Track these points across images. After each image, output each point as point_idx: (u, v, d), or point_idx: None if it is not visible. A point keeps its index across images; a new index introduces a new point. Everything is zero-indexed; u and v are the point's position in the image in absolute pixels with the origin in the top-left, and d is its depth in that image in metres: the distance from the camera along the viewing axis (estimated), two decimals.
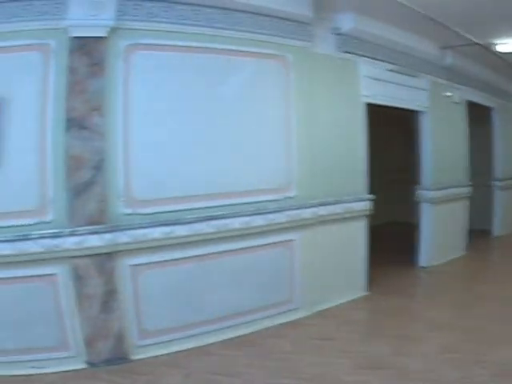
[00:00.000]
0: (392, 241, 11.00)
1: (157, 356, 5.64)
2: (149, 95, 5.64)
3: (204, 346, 5.87)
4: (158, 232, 5.60)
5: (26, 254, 5.09)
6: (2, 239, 5.03)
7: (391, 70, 8.13)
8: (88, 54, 5.31)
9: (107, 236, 5.32)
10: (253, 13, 6.22)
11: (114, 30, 5.42)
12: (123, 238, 5.41)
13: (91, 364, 5.40)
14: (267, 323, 6.43)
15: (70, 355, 5.38)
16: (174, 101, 5.79)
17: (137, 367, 5.42)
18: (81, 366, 5.38)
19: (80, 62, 5.29)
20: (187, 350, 5.76)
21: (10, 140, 5.16)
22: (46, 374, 5.18)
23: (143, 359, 5.59)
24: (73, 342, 5.39)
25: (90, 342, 5.42)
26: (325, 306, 7.05)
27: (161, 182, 5.69)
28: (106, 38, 5.39)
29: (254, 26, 6.28)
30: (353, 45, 7.45)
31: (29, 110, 5.23)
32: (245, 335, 6.15)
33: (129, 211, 5.53)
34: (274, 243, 6.51)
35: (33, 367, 5.21)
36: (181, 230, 5.72)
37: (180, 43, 5.81)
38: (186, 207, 5.80)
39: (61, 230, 5.19)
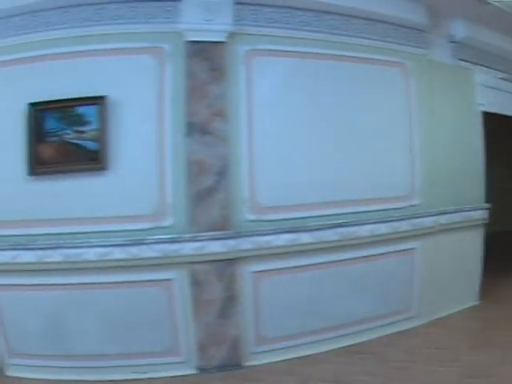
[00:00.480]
0: (502, 250, 10.30)
1: (272, 363, 5.35)
2: (271, 101, 5.42)
3: (319, 353, 5.54)
4: (282, 239, 5.31)
5: (140, 259, 4.96)
6: (116, 243, 4.92)
7: (503, 79, 7.52)
8: (208, 58, 5.15)
9: (230, 242, 5.10)
10: (372, 20, 5.94)
11: (232, 35, 5.26)
12: (246, 244, 5.17)
13: (202, 370, 5.18)
14: (383, 331, 6.02)
15: (179, 360, 5.20)
16: (298, 107, 5.53)
17: (250, 374, 5.16)
18: (190, 371, 5.17)
19: (199, 66, 5.13)
20: (303, 358, 5.45)
21: (123, 143, 5.05)
22: (151, 379, 5.05)
23: (257, 366, 5.32)
24: (184, 347, 5.20)
25: (203, 348, 5.20)
26: (439, 315, 6.60)
27: (286, 188, 5.41)
28: (224, 42, 5.22)
29: (374, 33, 5.98)
30: (467, 52, 7.00)
31: (144, 113, 5.11)
32: (360, 343, 5.79)
33: (253, 218, 5.28)
34: (397, 251, 6.10)
35: (135, 372, 5.07)
36: (305, 238, 5.41)
37: (301, 49, 5.56)
38: (311, 214, 5.49)
39: (179, 236, 5.01)
